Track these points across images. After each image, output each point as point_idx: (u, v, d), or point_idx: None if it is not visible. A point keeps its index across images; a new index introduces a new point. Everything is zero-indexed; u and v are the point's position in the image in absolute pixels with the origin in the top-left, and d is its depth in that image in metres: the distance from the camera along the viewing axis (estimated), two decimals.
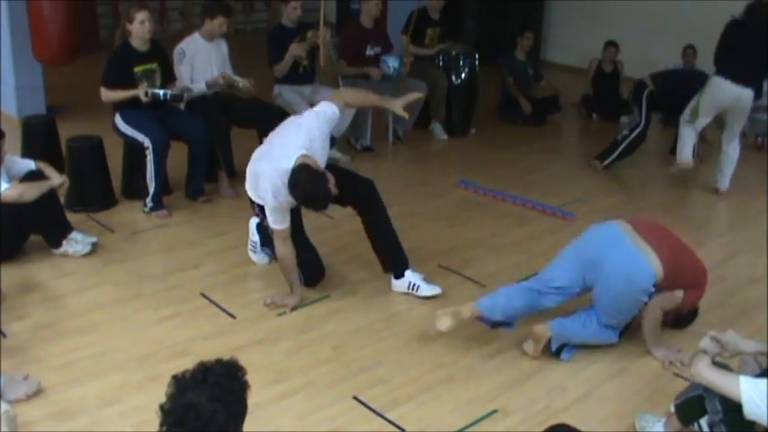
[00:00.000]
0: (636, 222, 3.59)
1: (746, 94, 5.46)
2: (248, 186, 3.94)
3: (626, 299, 3.50)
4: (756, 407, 2.48)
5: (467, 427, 3.12)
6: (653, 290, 3.45)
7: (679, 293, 3.55)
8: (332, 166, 4.04)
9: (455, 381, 3.42)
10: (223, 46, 5.53)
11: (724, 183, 5.85)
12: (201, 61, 5.35)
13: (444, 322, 3.60)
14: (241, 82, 5.33)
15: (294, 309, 3.95)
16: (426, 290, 4.12)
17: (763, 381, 2.51)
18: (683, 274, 3.54)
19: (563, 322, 3.60)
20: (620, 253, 3.44)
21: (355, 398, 3.26)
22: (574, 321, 3.61)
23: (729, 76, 5.48)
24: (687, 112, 5.73)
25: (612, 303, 3.53)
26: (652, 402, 3.29)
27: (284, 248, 3.87)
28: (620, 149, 6.24)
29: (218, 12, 5.32)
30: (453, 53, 7.04)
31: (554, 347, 3.60)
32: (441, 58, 7.02)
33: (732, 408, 2.57)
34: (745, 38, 5.43)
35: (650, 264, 3.40)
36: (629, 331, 3.87)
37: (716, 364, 2.68)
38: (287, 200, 3.72)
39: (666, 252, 3.44)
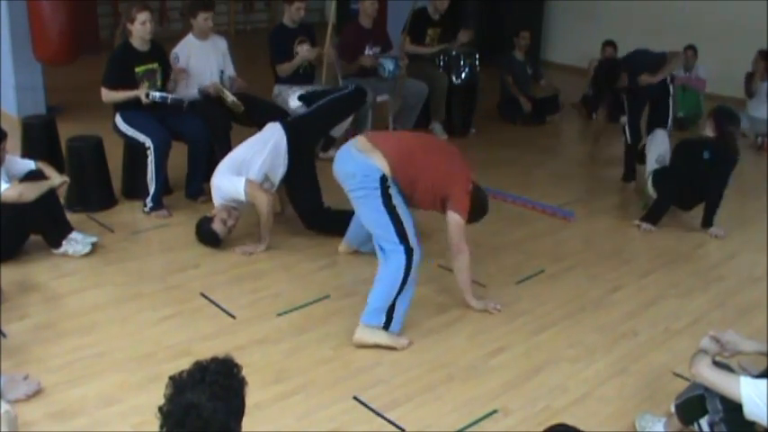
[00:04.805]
0: (371, 134, 3.99)
1: None
2: None
3: (361, 196, 3.67)
4: (756, 407, 2.48)
5: (467, 427, 3.12)
6: (387, 182, 3.63)
7: (453, 216, 3.75)
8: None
9: (455, 381, 3.42)
10: (220, 43, 5.54)
11: None
12: (198, 61, 5.35)
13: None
14: (230, 98, 5.28)
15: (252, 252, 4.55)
16: None
17: (763, 381, 2.50)
18: (421, 177, 3.72)
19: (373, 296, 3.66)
20: (345, 163, 3.77)
21: (355, 398, 3.26)
22: (372, 292, 3.67)
23: None
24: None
25: (360, 211, 3.79)
26: (652, 402, 3.29)
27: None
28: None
29: (197, 8, 5.33)
30: (453, 53, 7.04)
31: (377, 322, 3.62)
32: (441, 58, 7.03)
33: (733, 407, 2.57)
34: None
35: (370, 159, 3.66)
36: (629, 333, 3.88)
37: (716, 363, 2.67)
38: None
39: (395, 151, 3.71)
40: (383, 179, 3.63)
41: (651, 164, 5.43)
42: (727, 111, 5.22)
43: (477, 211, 3.93)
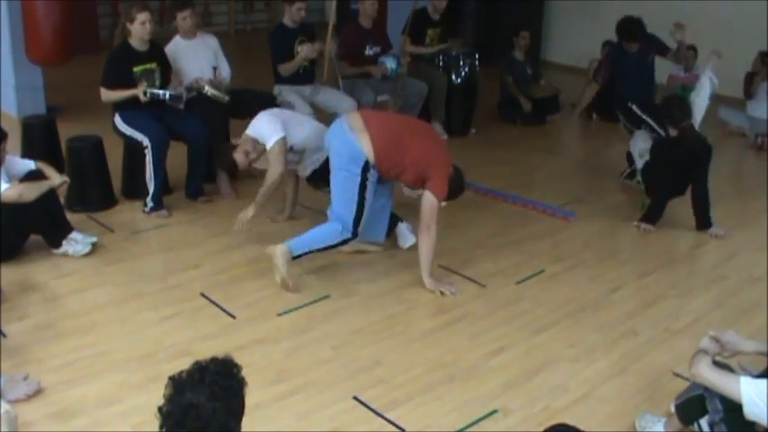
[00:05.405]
0: (367, 113, 4.32)
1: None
2: None
3: (342, 176, 4.03)
4: (756, 407, 2.48)
5: (467, 427, 3.12)
6: (369, 170, 4.00)
7: (429, 197, 4.04)
8: None
9: (455, 381, 3.42)
10: (210, 40, 5.59)
11: None
12: (187, 61, 5.37)
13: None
14: (210, 91, 5.24)
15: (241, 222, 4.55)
16: None
17: (763, 381, 2.50)
18: (406, 159, 4.02)
19: (298, 238, 4.12)
20: (335, 138, 4.11)
21: (355, 398, 3.26)
22: (309, 232, 4.14)
23: None
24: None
25: (336, 184, 4.08)
26: (652, 402, 3.29)
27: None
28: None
29: (174, 9, 5.45)
30: (453, 53, 7.04)
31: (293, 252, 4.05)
32: (441, 58, 7.03)
33: (733, 407, 2.57)
34: None
35: (359, 141, 3.98)
36: (629, 333, 3.88)
37: (716, 363, 2.67)
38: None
39: (383, 137, 4.02)
40: (366, 167, 3.99)
41: (638, 161, 5.45)
42: (672, 108, 5.17)
43: (454, 190, 4.23)
